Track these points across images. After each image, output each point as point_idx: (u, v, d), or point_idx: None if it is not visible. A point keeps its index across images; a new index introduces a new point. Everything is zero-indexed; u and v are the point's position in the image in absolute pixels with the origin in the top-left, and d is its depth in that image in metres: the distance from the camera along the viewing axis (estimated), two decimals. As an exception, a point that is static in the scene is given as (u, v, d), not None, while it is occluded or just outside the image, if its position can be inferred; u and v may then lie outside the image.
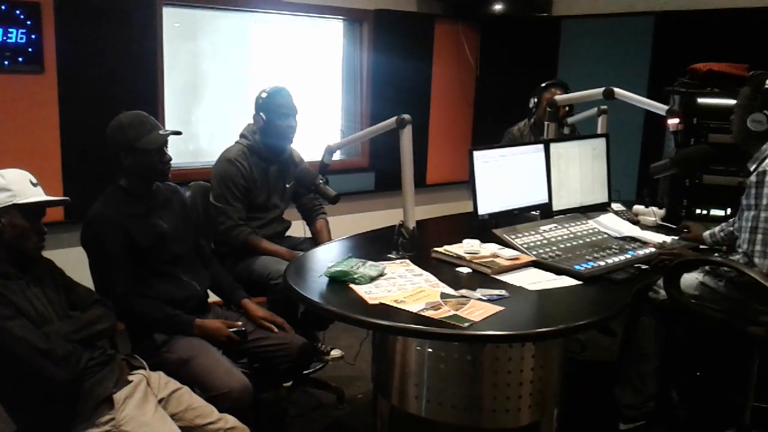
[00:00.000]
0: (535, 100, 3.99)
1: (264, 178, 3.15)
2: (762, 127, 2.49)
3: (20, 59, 3.46)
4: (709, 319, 2.58)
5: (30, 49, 3.48)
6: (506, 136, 4.07)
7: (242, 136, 3.18)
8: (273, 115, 3.08)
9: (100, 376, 2.05)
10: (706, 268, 2.63)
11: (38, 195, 2.03)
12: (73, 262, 2.39)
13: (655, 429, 2.91)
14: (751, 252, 2.37)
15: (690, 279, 2.62)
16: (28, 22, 3.45)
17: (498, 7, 5.03)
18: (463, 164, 4.90)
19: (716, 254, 2.78)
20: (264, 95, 3.11)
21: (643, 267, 2.52)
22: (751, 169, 2.51)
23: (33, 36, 3.48)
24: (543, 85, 4.00)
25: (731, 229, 2.79)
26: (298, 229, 3.38)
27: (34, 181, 2.05)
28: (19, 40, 3.43)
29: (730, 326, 2.53)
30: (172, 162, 2.49)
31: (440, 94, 5.42)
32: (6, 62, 3.42)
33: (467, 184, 2.87)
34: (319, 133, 4.71)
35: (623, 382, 2.92)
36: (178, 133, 2.51)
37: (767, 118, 2.47)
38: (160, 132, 2.42)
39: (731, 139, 2.70)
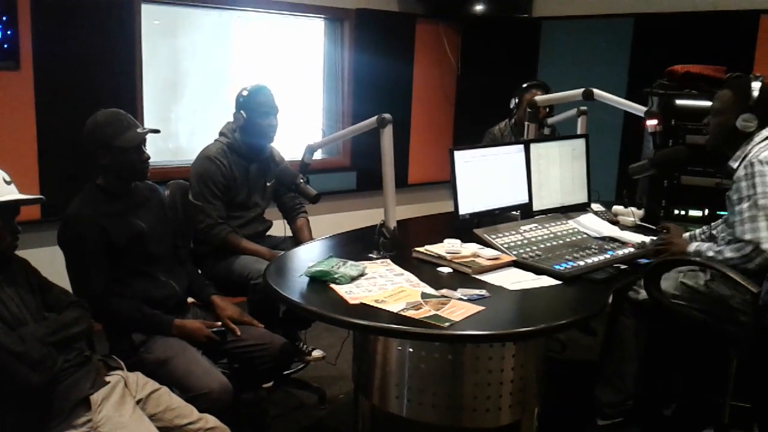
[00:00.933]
0: (516, 100, 4.01)
1: (244, 176, 3.13)
2: (751, 128, 2.53)
3: (-5, 55, 3.41)
4: (688, 319, 2.61)
5: (5, 45, 3.42)
6: (487, 136, 4.08)
7: (222, 134, 3.15)
8: (254, 114, 3.06)
9: (76, 378, 2.02)
10: (686, 267, 2.66)
11: (11, 193, 1.99)
12: (49, 261, 2.36)
13: (633, 426, 2.94)
14: (758, 239, 2.34)
15: (670, 279, 2.65)
16: (4, 18, 3.39)
17: (479, 7, 5.05)
18: (444, 164, 4.88)
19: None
20: (245, 93, 3.08)
21: (623, 267, 2.54)
22: (734, 166, 2.54)
23: (9, 32, 3.42)
24: (524, 85, 4.02)
25: (713, 232, 2.82)
26: (279, 228, 3.36)
27: (8, 179, 2.01)
28: (-6, 36, 3.38)
29: (709, 326, 2.56)
30: (150, 160, 2.46)
31: (421, 94, 5.43)
32: (-19, 58, 3.37)
33: (448, 183, 2.87)
34: (300, 132, 4.69)
35: (603, 382, 2.94)
36: (156, 131, 2.48)
37: (755, 118, 2.51)
38: (138, 130, 2.39)
39: (706, 142, 2.72)
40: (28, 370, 1.86)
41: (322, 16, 4.87)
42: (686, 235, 2.90)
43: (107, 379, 2.11)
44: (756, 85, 2.54)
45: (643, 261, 2.63)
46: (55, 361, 1.95)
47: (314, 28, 4.95)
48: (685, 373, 3.07)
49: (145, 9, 3.95)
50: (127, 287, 2.39)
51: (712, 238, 2.79)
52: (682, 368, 3.07)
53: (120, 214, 2.41)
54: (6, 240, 1.99)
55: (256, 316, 2.83)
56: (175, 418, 2.12)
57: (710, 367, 2.89)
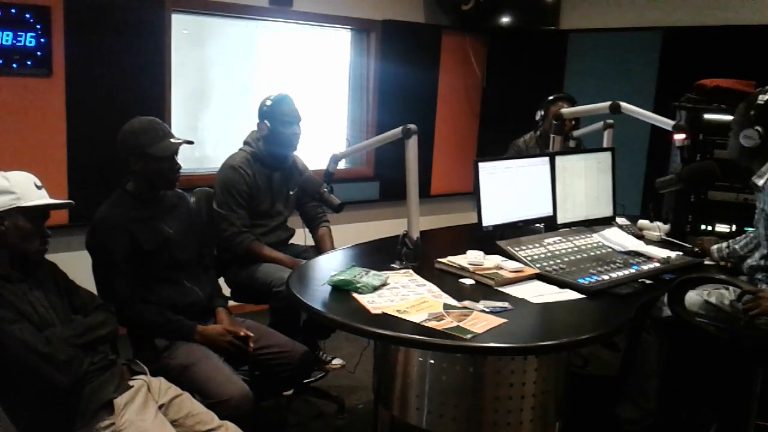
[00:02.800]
0: (542, 112, 3.99)
1: (267, 185, 3.15)
2: (753, 143, 2.44)
3: (29, 62, 3.48)
4: (712, 337, 2.56)
5: (39, 53, 3.50)
6: (512, 148, 4.07)
7: (246, 143, 3.18)
8: (277, 123, 3.08)
9: (101, 381, 2.05)
10: (711, 285, 2.62)
11: (42, 198, 2.03)
12: (77, 265, 2.39)
13: None
14: None
15: (694, 297, 2.61)
16: (38, 26, 3.47)
17: (505, 19, 5.04)
18: (467, 175, 4.89)
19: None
20: (268, 103, 3.11)
21: (647, 282, 2.51)
22: (760, 183, 2.48)
23: (42, 40, 3.50)
24: (550, 98, 4.01)
25: (736, 246, 2.77)
26: (301, 237, 3.37)
27: (39, 183, 2.05)
28: (28, 44, 3.45)
29: (733, 344, 2.51)
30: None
31: (446, 105, 5.43)
32: (15, 65, 3.44)
33: (472, 195, 2.87)
34: (324, 142, 4.72)
35: (625, 398, 2.91)
36: (190, 142, 2.49)
37: (759, 134, 2.43)
38: (173, 140, 2.42)
39: (728, 156, 2.68)
40: (55, 371, 1.89)
41: (349, 27, 4.90)
42: (714, 247, 2.86)
43: (131, 383, 2.13)
44: (763, 98, 2.44)
45: (668, 276, 2.59)
46: (82, 362, 1.98)
47: (340, 38, 4.99)
48: (706, 391, 3.02)
49: (175, 18, 4.02)
50: (152, 293, 2.42)
51: (735, 253, 2.75)
52: (704, 386, 3.02)
53: (148, 220, 2.44)
54: (35, 244, 2.02)
55: (278, 324, 2.84)
56: (196, 424, 2.14)
57: (734, 386, 2.84)
